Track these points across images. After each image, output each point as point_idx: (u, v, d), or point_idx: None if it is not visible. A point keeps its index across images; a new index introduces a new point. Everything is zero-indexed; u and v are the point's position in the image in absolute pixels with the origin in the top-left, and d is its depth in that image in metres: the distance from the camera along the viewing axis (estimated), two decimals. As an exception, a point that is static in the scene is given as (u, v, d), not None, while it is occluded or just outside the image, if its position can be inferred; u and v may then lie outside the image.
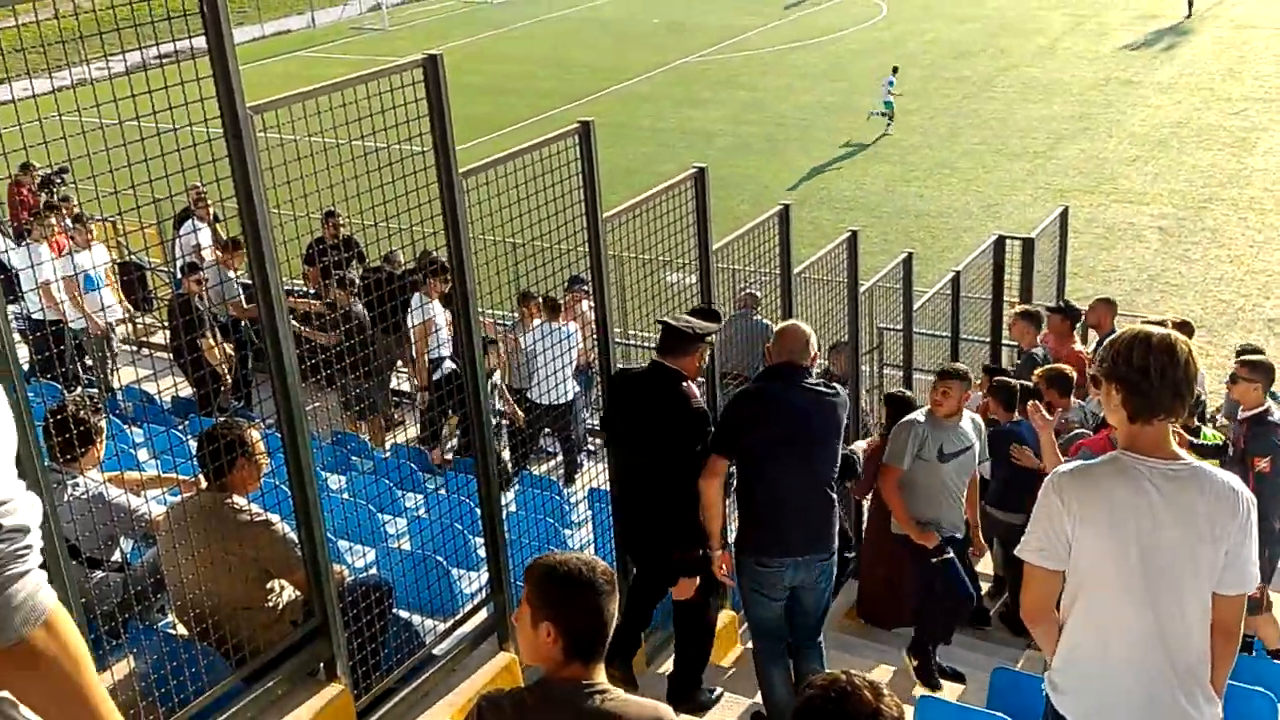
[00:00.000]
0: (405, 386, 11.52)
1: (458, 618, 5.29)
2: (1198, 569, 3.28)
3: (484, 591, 5.54)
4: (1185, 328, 8.78)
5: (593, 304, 6.14)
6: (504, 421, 9.56)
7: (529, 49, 37.19)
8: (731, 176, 23.36)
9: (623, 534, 5.97)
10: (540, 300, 9.52)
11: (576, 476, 9.83)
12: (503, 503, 7.88)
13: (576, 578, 2.91)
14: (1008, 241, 11.22)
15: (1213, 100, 27.20)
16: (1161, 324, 3.46)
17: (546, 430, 10.35)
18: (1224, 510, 3.25)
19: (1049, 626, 3.54)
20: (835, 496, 5.50)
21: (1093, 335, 10.12)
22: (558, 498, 8.14)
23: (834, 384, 5.56)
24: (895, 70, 27.48)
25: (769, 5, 40.89)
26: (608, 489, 6.33)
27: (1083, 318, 9.83)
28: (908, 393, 8.21)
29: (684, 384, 5.39)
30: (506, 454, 9.17)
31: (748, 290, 9.42)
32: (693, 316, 5.58)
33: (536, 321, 9.83)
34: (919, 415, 6.73)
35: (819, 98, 29.94)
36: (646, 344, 10.69)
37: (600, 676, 2.92)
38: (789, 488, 5.32)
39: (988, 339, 11.40)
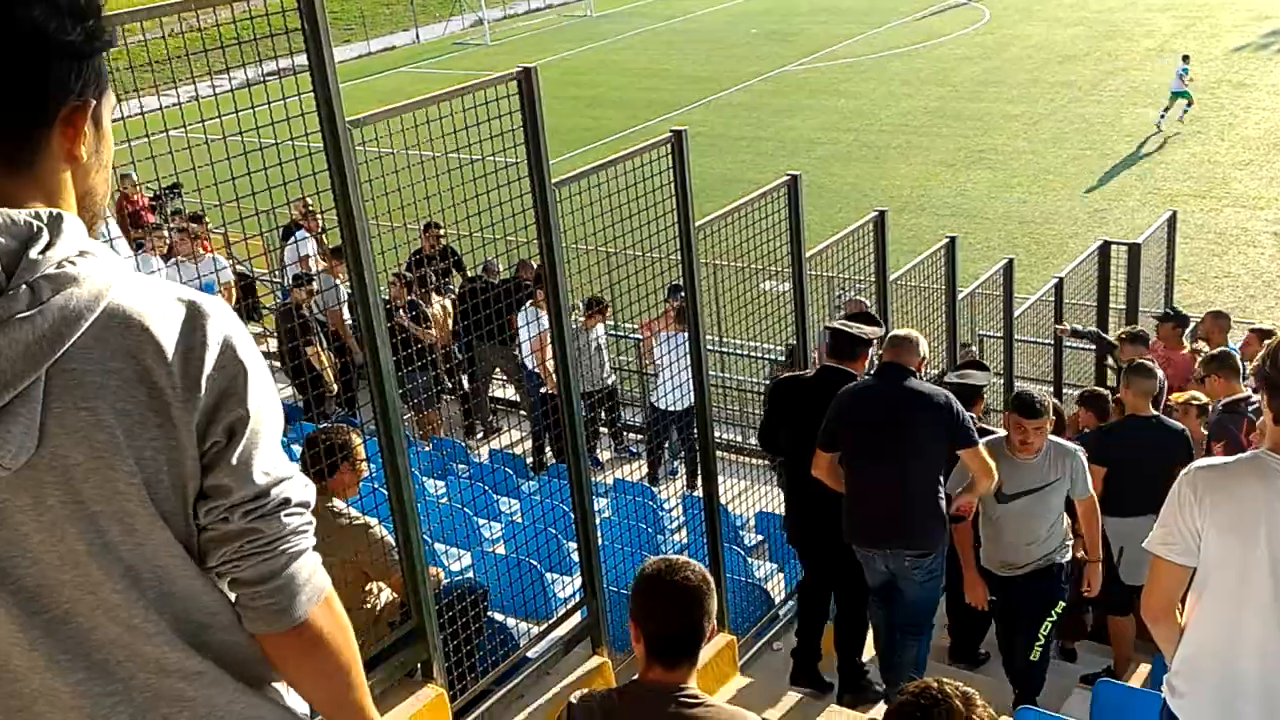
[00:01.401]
0: (510, 395, 11.70)
1: (551, 621, 5.36)
2: None
3: (577, 596, 5.60)
4: None
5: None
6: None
7: (628, 61, 37.41)
8: (831, 184, 23.20)
9: (800, 535, 6.22)
10: (670, 309, 9.61)
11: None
12: (596, 508, 8.00)
13: (654, 578, 2.94)
14: (1113, 247, 10.95)
15: (1333, 100, 26.25)
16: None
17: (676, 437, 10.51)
18: None
19: (1172, 625, 3.46)
20: (935, 493, 5.50)
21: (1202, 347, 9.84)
22: (651, 503, 8.18)
23: (942, 386, 5.74)
24: (1186, 59, 26.62)
25: (870, 13, 40.53)
26: (699, 496, 6.36)
27: (1193, 326, 9.57)
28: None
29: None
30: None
31: (853, 298, 9.34)
32: (856, 322, 6.05)
33: (664, 332, 9.88)
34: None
35: (922, 104, 29.56)
36: (740, 351, 10.72)
37: (691, 681, 2.93)
38: (874, 479, 5.50)
39: (1092, 347, 11.13)
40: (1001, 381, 10.16)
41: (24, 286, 1.45)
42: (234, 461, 1.62)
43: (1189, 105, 25.56)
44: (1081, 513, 5.89)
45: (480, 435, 11.20)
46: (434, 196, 5.00)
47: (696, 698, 2.90)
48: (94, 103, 1.58)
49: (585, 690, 3.12)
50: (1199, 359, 8.25)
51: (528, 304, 9.74)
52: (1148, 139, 25.05)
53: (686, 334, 9.10)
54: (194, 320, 1.58)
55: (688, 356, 6.06)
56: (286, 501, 1.69)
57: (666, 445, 10.66)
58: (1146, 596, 3.47)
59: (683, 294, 9.37)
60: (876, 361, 6.04)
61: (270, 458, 1.67)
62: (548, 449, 10.31)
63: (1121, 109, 27.47)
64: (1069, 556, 5.97)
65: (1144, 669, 6.56)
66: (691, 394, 9.04)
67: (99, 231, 1.67)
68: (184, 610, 1.64)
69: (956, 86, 30.84)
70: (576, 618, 5.57)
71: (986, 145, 25.75)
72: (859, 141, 26.88)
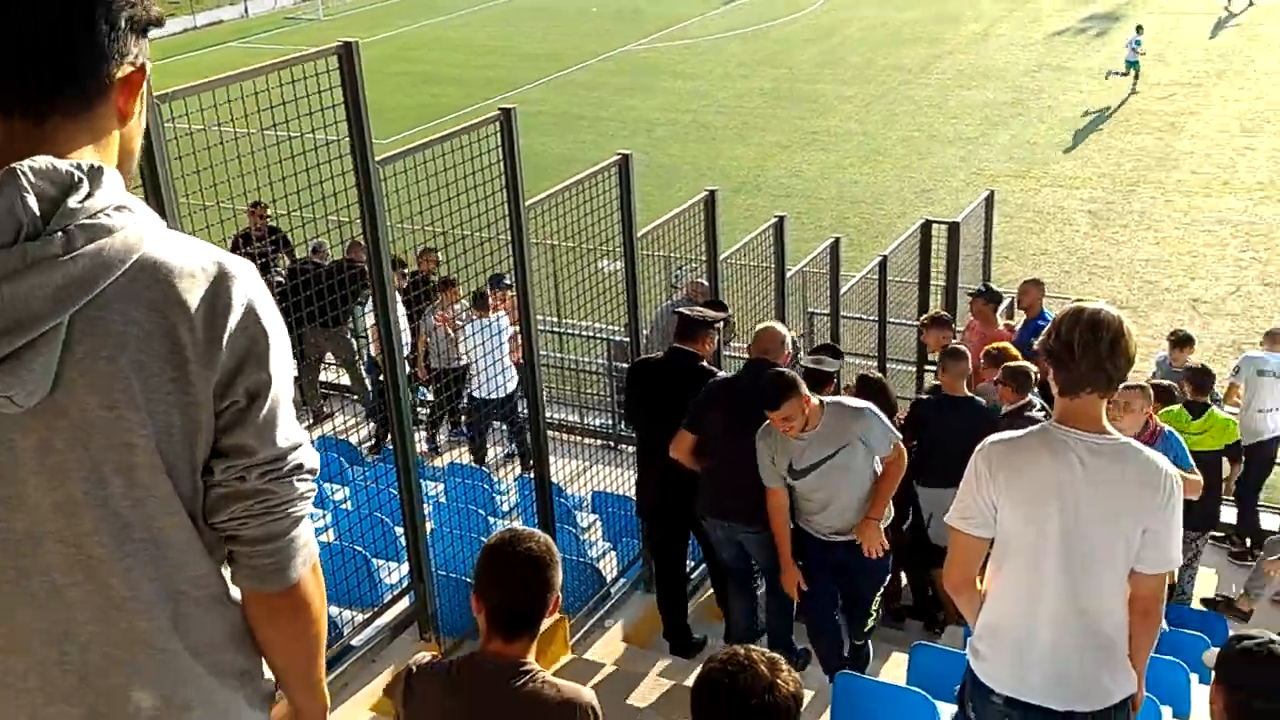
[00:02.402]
0: (344, 381, 11.44)
1: (377, 608, 5.28)
2: (1116, 544, 3.32)
3: (405, 581, 5.53)
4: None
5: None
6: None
7: (467, 37, 36.94)
8: (670, 164, 23.38)
9: (652, 504, 6.52)
10: (475, 295, 9.47)
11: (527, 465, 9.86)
12: (430, 493, 7.90)
13: (497, 548, 2.92)
14: (934, 226, 11.33)
15: (1141, 85, 27.62)
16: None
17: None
18: (1146, 487, 3.28)
19: (972, 594, 3.59)
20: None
21: (1022, 316, 10.26)
22: (485, 486, 8.13)
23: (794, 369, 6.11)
24: (1140, 29, 27.75)
25: (707, -7, 40.96)
26: (531, 479, 6.36)
27: (1005, 300, 9.98)
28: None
29: (702, 362, 6.26)
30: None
31: (692, 279, 9.41)
32: (709, 308, 6.54)
33: (471, 318, 9.77)
34: None
35: (759, 85, 30.03)
36: (583, 333, 10.74)
37: (529, 655, 2.91)
38: (725, 460, 5.85)
39: (916, 323, 11.52)
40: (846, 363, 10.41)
41: (60, 233, 1.50)
42: (258, 423, 1.68)
43: (1128, 73, 27.16)
44: (883, 469, 5.69)
45: (309, 422, 10.94)
46: (249, 174, 4.86)
47: (535, 672, 2.89)
48: (149, 68, 1.69)
49: (426, 658, 3.08)
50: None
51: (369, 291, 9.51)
52: (970, 121, 25.99)
53: (498, 320, 9.03)
54: (222, 280, 1.62)
55: (504, 346, 6.03)
56: (300, 467, 1.76)
57: (491, 432, 10.56)
58: (948, 568, 3.60)
59: (506, 282, 9.37)
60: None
61: (289, 423, 1.74)
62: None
63: (948, 91, 28.42)
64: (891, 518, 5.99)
65: (957, 631, 6.84)
66: (509, 382, 9.00)
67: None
68: (167, 575, 1.67)
69: (793, 68, 31.42)
70: (404, 604, 5.51)
71: (820, 126, 26.33)
72: (697, 122, 27.16)
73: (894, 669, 6.01)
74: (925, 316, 9.86)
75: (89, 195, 1.54)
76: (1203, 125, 24.86)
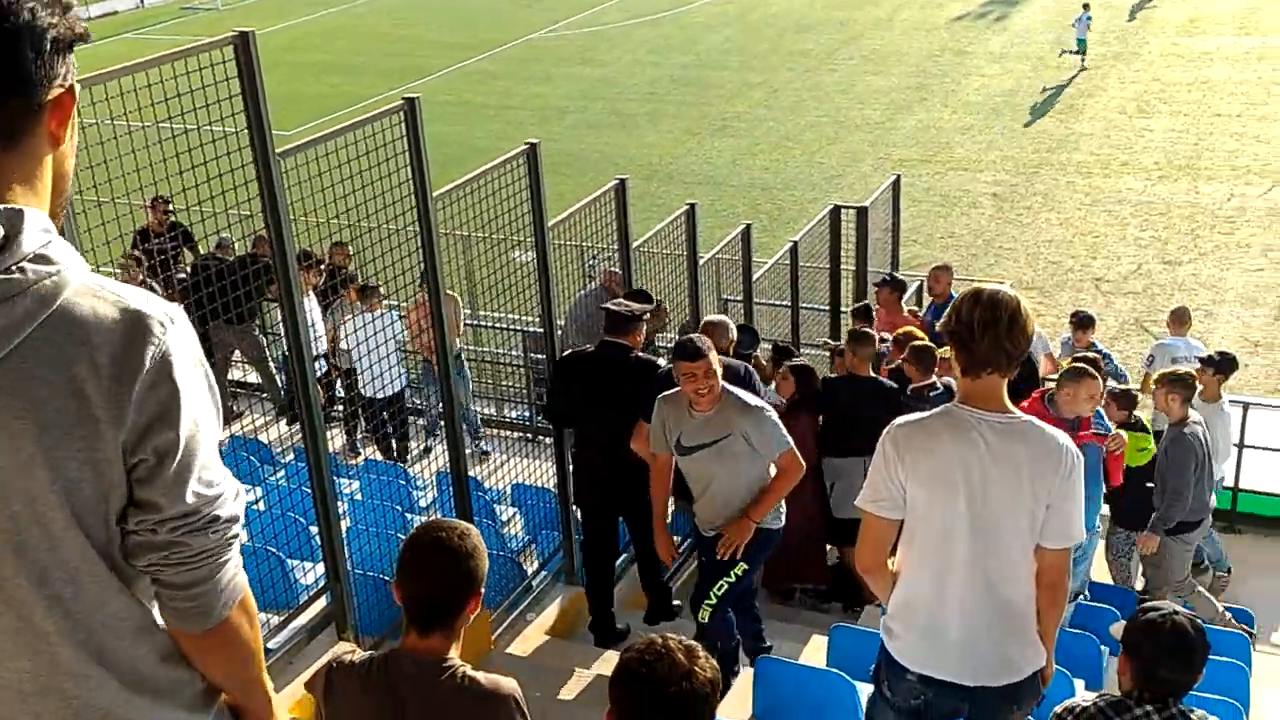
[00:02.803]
0: (253, 379, 11.21)
1: (293, 610, 5.19)
2: (1020, 519, 3.39)
3: (321, 582, 5.44)
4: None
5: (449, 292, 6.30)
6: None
7: (372, 26, 36.44)
8: (583, 153, 23.32)
9: (589, 496, 6.59)
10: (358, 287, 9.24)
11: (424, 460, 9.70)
12: (346, 491, 7.78)
13: (414, 539, 2.89)
14: (843, 211, 11.44)
15: (1042, 68, 28.19)
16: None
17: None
18: (1047, 463, 3.35)
19: (885, 575, 3.64)
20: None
21: (928, 300, 10.43)
22: (403, 483, 8.03)
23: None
24: (1087, 6, 28.16)
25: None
26: (449, 471, 6.30)
27: (907, 288, 10.16)
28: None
29: (634, 354, 6.34)
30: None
31: (607, 268, 9.37)
32: (634, 300, 6.67)
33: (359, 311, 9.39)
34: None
35: (668, 72, 30.07)
36: (498, 325, 10.64)
37: (450, 651, 2.86)
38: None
39: (828, 308, 11.64)
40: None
41: None
42: (167, 480, 1.69)
43: (1079, 51, 27.95)
44: (774, 475, 5.49)
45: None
46: (146, 169, 4.72)
47: (455, 667, 2.85)
48: (78, 89, 1.68)
49: (347, 652, 3.02)
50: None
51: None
52: (876, 107, 26.30)
53: (384, 316, 8.76)
54: (136, 338, 1.62)
55: (389, 343, 5.90)
56: (215, 519, 1.77)
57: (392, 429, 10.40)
58: (860, 550, 3.64)
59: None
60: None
61: (201, 477, 1.74)
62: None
63: (855, 77, 28.73)
64: (780, 525, 5.70)
65: (876, 612, 6.91)
66: (397, 380, 8.81)
67: (63, 215, 1.74)
68: (87, 613, 1.72)
69: (701, 55, 31.52)
70: (321, 604, 5.42)
71: (730, 113, 26.45)
72: (609, 109, 27.13)
73: (815, 652, 6.07)
74: (854, 306, 10.04)
75: (4, 248, 1.53)
76: (1101, 107, 25.45)
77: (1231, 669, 5.68)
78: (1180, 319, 10.05)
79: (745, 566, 5.59)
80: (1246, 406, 9.38)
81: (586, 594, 6.70)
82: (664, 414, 5.56)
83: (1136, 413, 7.51)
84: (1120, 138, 23.45)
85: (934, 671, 3.58)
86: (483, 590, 2.89)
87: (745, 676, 5.54)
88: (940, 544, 3.46)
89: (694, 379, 5.23)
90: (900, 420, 3.53)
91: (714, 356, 5.29)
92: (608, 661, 6.03)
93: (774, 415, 5.50)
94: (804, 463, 5.57)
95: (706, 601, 5.63)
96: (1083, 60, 28.00)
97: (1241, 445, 9.11)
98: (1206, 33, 30.48)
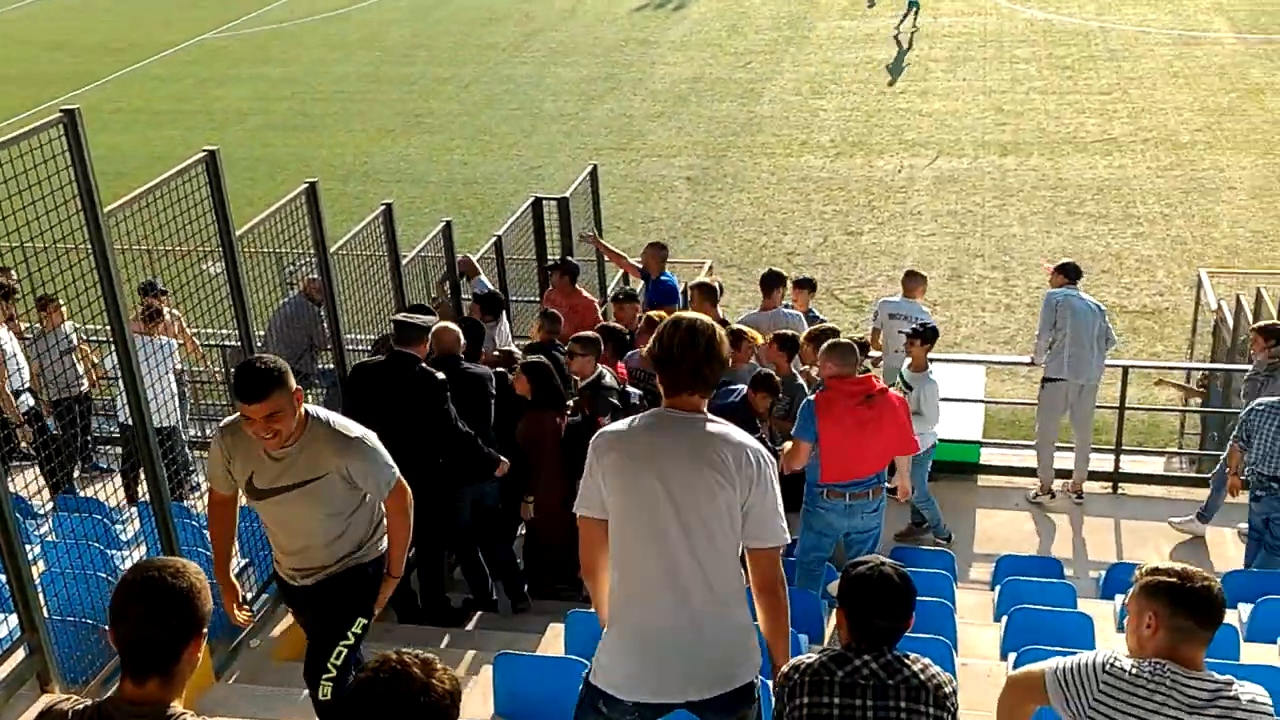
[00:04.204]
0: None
1: (-15, 669, 4.75)
2: (708, 519, 3.48)
3: (16, 634, 5.00)
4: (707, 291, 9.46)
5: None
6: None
7: (24, 31, 33.75)
8: (271, 156, 22.49)
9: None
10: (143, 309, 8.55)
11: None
12: (38, 532, 7.19)
13: (125, 580, 2.71)
14: (545, 202, 11.52)
15: (721, 55, 29.34)
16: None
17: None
18: (733, 465, 3.46)
19: (600, 578, 3.71)
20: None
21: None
22: (100, 518, 7.47)
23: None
24: None
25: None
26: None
27: (579, 271, 10.46)
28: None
29: (421, 365, 6.76)
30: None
31: (310, 276, 9.02)
32: (415, 314, 7.15)
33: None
34: None
35: (355, 69, 29.39)
36: (207, 342, 10.09)
37: (171, 698, 2.68)
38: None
39: (537, 299, 11.67)
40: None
41: None
42: None
43: (909, 12, 30.01)
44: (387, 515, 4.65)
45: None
46: None
47: (174, 715, 2.68)
48: None
49: (61, 701, 2.78)
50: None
51: None
52: (569, 98, 26.64)
53: (166, 343, 8.23)
54: None
55: (170, 374, 5.43)
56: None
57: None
58: (581, 554, 3.71)
59: (158, 290, 8.63)
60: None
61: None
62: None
63: (544, 69, 28.99)
64: (375, 556, 4.64)
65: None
66: (174, 412, 8.29)
67: None
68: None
69: (387, 50, 30.98)
70: (19, 656, 4.98)
71: (423, 109, 26.14)
72: (294, 110, 26.24)
73: (554, 640, 6.08)
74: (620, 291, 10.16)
75: None
76: (778, 90, 26.73)
77: (938, 608, 6.10)
78: (914, 280, 10.15)
79: (364, 621, 4.62)
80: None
81: (419, 578, 7.19)
82: (228, 447, 4.39)
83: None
84: (798, 118, 24.72)
85: (645, 695, 3.57)
86: (205, 631, 2.73)
87: (485, 674, 5.49)
88: (632, 543, 3.55)
89: (251, 423, 4.13)
90: (605, 428, 3.67)
91: (284, 390, 4.09)
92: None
93: (378, 442, 4.46)
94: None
95: (325, 676, 4.54)
96: (914, 20, 30.35)
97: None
98: (867, 15, 32.53)
